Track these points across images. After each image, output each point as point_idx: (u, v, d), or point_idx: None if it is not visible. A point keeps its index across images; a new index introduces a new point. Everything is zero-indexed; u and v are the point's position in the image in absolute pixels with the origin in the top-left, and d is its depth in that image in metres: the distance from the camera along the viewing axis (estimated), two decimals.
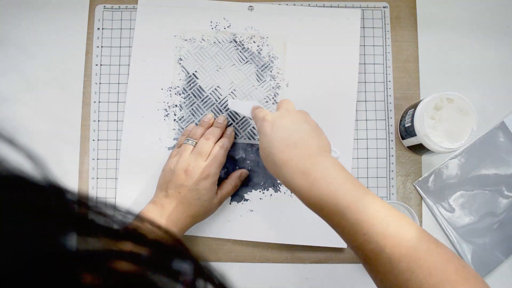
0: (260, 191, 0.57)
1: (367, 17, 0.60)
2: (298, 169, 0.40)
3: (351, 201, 0.38)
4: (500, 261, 0.56)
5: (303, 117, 0.46)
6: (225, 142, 0.54)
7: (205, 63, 0.60)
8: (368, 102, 0.59)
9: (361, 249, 0.37)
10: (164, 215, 0.49)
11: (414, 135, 0.52)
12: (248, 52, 0.60)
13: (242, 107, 0.54)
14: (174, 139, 0.58)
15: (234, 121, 0.58)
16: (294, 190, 0.41)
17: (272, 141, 0.43)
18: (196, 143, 0.53)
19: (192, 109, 0.59)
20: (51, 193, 0.20)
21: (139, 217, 0.23)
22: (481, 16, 0.61)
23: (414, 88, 0.59)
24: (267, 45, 0.60)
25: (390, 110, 0.59)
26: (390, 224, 0.36)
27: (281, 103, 0.49)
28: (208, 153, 0.52)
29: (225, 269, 0.58)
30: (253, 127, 0.59)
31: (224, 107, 0.59)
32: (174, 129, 0.59)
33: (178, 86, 0.59)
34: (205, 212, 0.52)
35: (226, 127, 0.57)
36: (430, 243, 0.36)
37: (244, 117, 0.58)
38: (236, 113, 0.58)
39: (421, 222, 0.57)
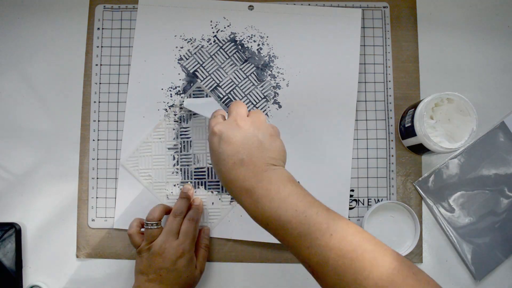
0: None
1: (367, 17, 0.60)
2: (244, 187, 0.40)
3: (292, 215, 0.37)
4: (500, 261, 0.56)
5: (253, 126, 0.43)
6: (194, 215, 0.54)
7: (205, 62, 0.60)
8: (368, 102, 0.59)
9: (307, 262, 0.37)
10: None
11: (414, 135, 0.52)
12: (248, 52, 0.60)
13: (200, 107, 0.53)
14: (174, 139, 0.58)
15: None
16: (242, 207, 0.41)
17: (219, 158, 0.42)
18: (156, 223, 0.52)
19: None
20: None
21: None
22: (481, 16, 0.61)
23: (414, 88, 0.59)
24: (267, 44, 0.60)
25: (390, 110, 0.59)
26: (333, 235, 0.36)
27: (231, 108, 0.46)
28: (178, 230, 0.52)
29: (225, 269, 0.59)
30: None
31: (226, 104, 0.59)
32: (174, 129, 0.59)
33: (178, 86, 0.59)
34: (190, 285, 0.52)
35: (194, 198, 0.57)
36: (375, 252, 0.35)
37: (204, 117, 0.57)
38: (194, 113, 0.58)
39: (421, 222, 0.57)
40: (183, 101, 0.58)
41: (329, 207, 0.39)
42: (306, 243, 0.36)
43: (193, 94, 0.59)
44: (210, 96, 0.58)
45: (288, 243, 0.38)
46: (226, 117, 0.47)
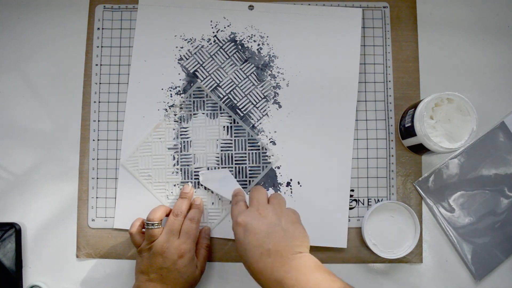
0: None
1: (367, 17, 0.60)
2: (273, 279, 0.41)
3: None
4: (500, 261, 0.56)
5: (276, 215, 0.46)
6: (195, 215, 0.54)
7: (205, 62, 0.60)
8: (368, 102, 0.59)
9: None
10: None
11: (414, 135, 0.52)
12: (248, 52, 0.60)
13: (217, 184, 0.55)
14: (174, 139, 0.58)
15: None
16: None
17: (245, 249, 0.44)
18: (157, 223, 0.52)
19: (192, 109, 0.59)
20: None
21: None
22: (481, 16, 0.61)
23: (414, 88, 0.59)
24: (267, 44, 0.60)
25: (390, 110, 0.59)
26: None
27: (252, 195, 0.49)
28: (179, 230, 0.52)
29: (225, 269, 0.59)
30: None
31: (226, 104, 0.59)
32: (174, 129, 0.59)
33: (178, 86, 0.59)
34: (191, 285, 0.53)
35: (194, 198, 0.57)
36: None
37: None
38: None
39: (421, 222, 0.57)
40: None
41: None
42: None
43: (193, 94, 0.59)
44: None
45: None
46: (247, 200, 0.51)
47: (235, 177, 0.57)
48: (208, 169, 0.57)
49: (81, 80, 0.60)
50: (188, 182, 0.58)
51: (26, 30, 0.61)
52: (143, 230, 0.54)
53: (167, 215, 0.55)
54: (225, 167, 0.58)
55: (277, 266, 0.42)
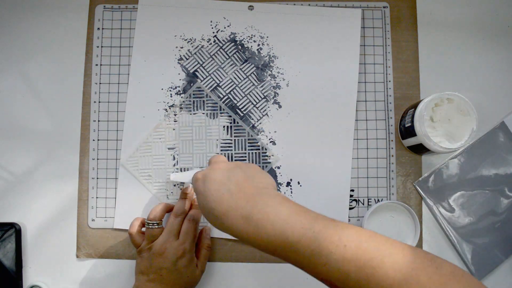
0: None
1: (367, 17, 0.60)
2: (239, 215, 0.38)
3: (300, 233, 0.35)
4: (500, 261, 0.56)
5: (234, 164, 0.44)
6: (195, 215, 0.54)
7: (205, 62, 0.60)
8: (368, 102, 0.59)
9: (328, 280, 0.35)
10: None
11: (414, 135, 0.52)
12: (248, 52, 0.60)
13: (184, 177, 0.53)
14: (174, 139, 0.58)
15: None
16: (241, 238, 0.38)
17: (206, 196, 0.41)
18: (157, 223, 0.52)
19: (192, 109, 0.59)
20: None
21: None
22: (481, 16, 0.61)
23: (414, 88, 0.59)
24: (267, 44, 0.60)
25: (390, 110, 0.59)
26: (347, 245, 0.34)
27: (211, 160, 0.47)
28: (179, 231, 0.52)
29: (225, 269, 0.59)
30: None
31: (226, 104, 0.59)
32: (174, 129, 0.59)
33: (178, 86, 0.59)
34: (191, 285, 0.53)
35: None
36: (394, 255, 0.33)
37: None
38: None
39: (421, 222, 0.57)
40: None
41: (332, 217, 0.37)
42: (321, 260, 0.34)
43: (193, 94, 0.59)
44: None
45: (302, 264, 0.36)
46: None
47: None
48: (180, 170, 0.58)
49: (81, 80, 0.60)
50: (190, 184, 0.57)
51: (26, 30, 0.61)
52: (143, 229, 0.54)
53: (169, 211, 0.54)
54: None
55: (242, 204, 0.38)
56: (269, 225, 0.36)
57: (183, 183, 0.58)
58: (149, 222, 0.52)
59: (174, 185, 0.58)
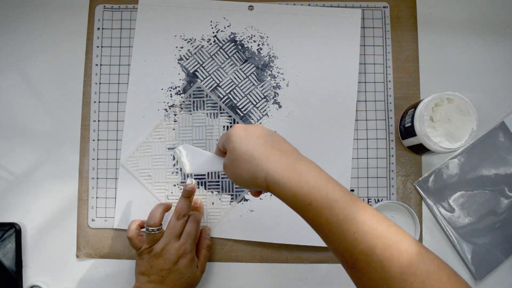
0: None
1: (367, 17, 0.60)
2: (282, 162, 0.37)
3: (340, 195, 0.35)
4: (500, 261, 0.56)
5: (270, 129, 0.43)
6: (195, 215, 0.54)
7: (205, 62, 0.60)
8: (368, 102, 0.59)
9: (349, 250, 0.34)
10: None
11: (414, 135, 0.52)
12: (248, 52, 0.60)
13: (204, 166, 0.49)
14: (174, 139, 0.58)
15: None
16: (279, 183, 0.37)
17: (248, 140, 0.39)
18: (158, 229, 0.51)
19: (192, 109, 0.59)
20: None
21: None
22: (481, 16, 0.61)
23: (414, 88, 0.59)
24: (267, 44, 0.60)
25: (390, 110, 0.59)
26: (380, 222, 0.34)
27: (229, 132, 0.44)
28: (180, 232, 0.52)
29: (225, 269, 0.59)
30: None
31: (226, 104, 0.59)
32: (174, 129, 0.59)
33: (178, 86, 0.59)
34: (192, 285, 0.53)
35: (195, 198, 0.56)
36: (420, 247, 0.34)
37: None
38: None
39: (421, 222, 0.57)
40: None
41: None
42: (352, 227, 0.34)
43: (193, 94, 0.59)
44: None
45: (332, 226, 0.35)
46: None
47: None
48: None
49: (81, 80, 0.60)
50: (192, 180, 0.55)
51: (26, 30, 0.61)
52: (141, 231, 0.53)
53: (167, 210, 0.54)
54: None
55: (285, 153, 0.38)
56: (312, 177, 0.36)
57: (183, 183, 0.58)
58: (149, 228, 0.51)
59: (174, 185, 0.58)
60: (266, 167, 0.38)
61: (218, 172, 0.58)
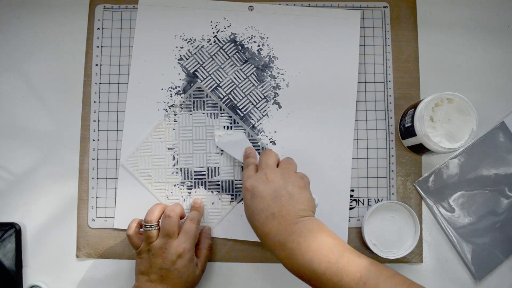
0: None
1: (367, 17, 0.60)
2: (277, 241, 0.43)
3: (326, 267, 0.40)
4: (500, 261, 0.56)
5: (283, 179, 0.46)
6: (195, 215, 0.54)
7: (205, 63, 0.60)
8: (368, 102, 0.59)
9: None
10: None
11: (414, 135, 0.52)
12: (248, 52, 0.60)
13: (231, 146, 0.56)
14: (174, 139, 0.58)
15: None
16: (278, 259, 0.44)
17: (252, 213, 0.45)
18: (155, 225, 0.51)
19: (192, 109, 0.59)
20: None
21: None
22: (481, 16, 0.61)
23: (414, 88, 0.59)
24: (267, 45, 0.60)
25: (390, 110, 0.59)
26: (367, 283, 0.38)
27: (261, 159, 0.50)
28: (174, 230, 0.51)
29: (225, 269, 0.59)
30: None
31: (226, 104, 0.59)
32: (174, 129, 0.59)
33: (178, 86, 0.59)
34: (192, 285, 0.53)
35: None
36: None
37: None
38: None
39: (421, 222, 0.57)
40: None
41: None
42: None
43: (193, 94, 0.59)
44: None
45: None
46: (257, 160, 0.52)
47: (234, 179, 0.58)
48: (223, 129, 0.58)
49: (81, 80, 0.60)
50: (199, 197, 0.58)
51: (26, 30, 0.61)
52: (141, 230, 0.53)
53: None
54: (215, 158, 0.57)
55: (280, 230, 0.43)
56: (300, 255, 0.41)
57: (183, 183, 0.58)
58: (146, 224, 0.51)
59: (174, 185, 0.58)
60: (265, 244, 0.45)
61: (218, 171, 0.58)
